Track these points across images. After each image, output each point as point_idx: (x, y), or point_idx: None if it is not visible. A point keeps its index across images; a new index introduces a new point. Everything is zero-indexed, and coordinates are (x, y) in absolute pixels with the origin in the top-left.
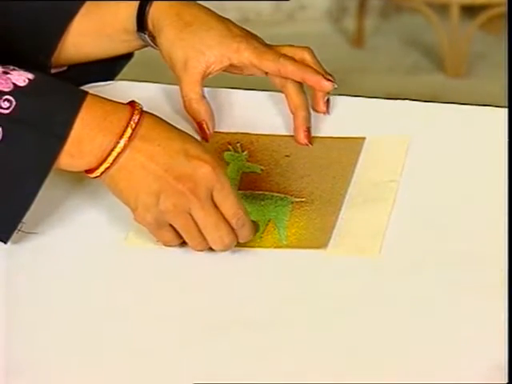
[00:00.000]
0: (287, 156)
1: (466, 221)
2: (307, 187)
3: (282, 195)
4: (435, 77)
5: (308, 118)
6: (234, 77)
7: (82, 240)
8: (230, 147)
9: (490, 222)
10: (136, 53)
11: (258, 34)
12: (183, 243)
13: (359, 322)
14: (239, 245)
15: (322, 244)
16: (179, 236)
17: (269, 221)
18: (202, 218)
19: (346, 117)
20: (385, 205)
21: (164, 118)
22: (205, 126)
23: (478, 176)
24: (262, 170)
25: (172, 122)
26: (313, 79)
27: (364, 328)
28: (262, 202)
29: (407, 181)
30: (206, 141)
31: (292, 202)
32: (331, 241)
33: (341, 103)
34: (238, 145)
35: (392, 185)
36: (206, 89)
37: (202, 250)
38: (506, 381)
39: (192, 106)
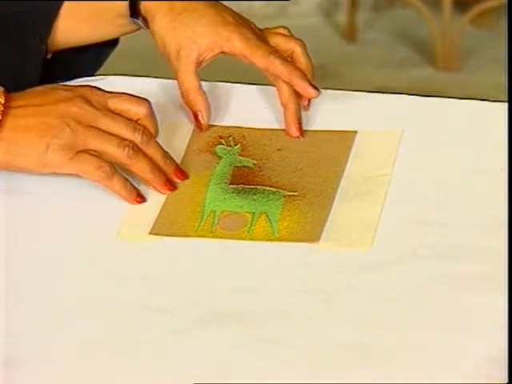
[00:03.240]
0: (279, 150)
1: (459, 214)
2: (299, 181)
3: (274, 189)
4: (426, 71)
5: (298, 111)
6: (225, 70)
7: (73, 236)
8: (222, 141)
9: (483, 215)
10: (126, 47)
11: None
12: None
13: (351, 318)
14: (230, 237)
15: (313, 238)
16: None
17: (260, 214)
18: (104, 123)
19: (337, 110)
20: (377, 198)
21: (157, 112)
22: (200, 116)
23: (468, 170)
24: (254, 164)
25: (166, 117)
26: (300, 85)
27: (357, 323)
28: (254, 197)
29: (399, 175)
30: (201, 131)
31: (284, 196)
32: (323, 234)
33: (332, 97)
34: (230, 138)
35: (384, 178)
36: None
37: (123, 156)
38: (506, 381)
39: (189, 96)
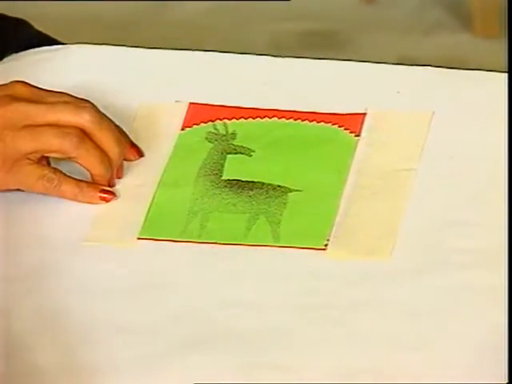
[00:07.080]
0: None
1: (498, 213)
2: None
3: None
4: (461, 37)
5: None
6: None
7: (32, 242)
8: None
9: None
10: (94, 12)
11: None
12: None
13: (367, 339)
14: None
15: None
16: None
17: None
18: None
19: (351, 87)
20: (398, 198)
21: (125, 84)
22: None
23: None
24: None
25: (135, 89)
26: None
27: (374, 345)
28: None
29: (426, 168)
30: None
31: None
32: (334, 240)
33: (345, 70)
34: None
35: (408, 174)
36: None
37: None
38: (506, 381)
39: None
